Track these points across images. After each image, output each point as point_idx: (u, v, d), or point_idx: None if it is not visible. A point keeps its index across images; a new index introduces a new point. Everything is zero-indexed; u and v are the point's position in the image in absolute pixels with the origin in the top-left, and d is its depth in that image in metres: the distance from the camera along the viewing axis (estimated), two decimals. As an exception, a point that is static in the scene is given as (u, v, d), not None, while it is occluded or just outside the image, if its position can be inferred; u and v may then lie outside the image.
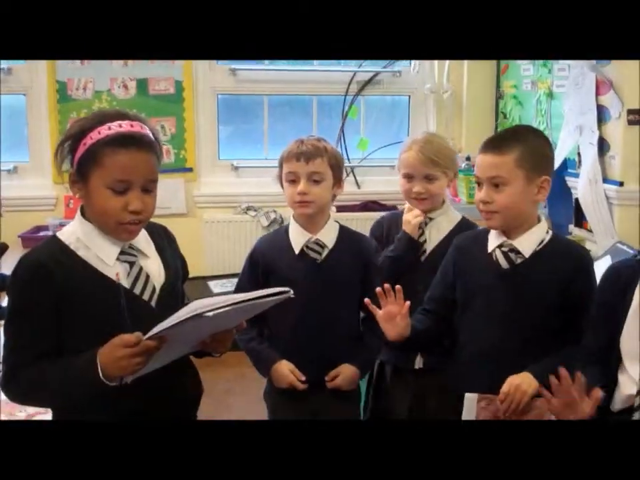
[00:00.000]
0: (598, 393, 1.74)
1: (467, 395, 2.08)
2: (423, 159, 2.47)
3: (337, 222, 2.41)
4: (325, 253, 2.33)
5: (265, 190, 4.88)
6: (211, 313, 1.46)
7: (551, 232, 2.12)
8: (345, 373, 2.33)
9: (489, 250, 2.11)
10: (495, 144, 2.06)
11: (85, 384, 1.61)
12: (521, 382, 1.99)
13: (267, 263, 2.34)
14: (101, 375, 1.57)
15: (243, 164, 5.24)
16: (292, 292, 1.67)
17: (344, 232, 2.39)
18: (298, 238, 2.34)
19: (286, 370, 2.30)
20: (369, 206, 5.20)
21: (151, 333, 1.55)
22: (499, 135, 2.18)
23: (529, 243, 2.07)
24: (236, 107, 5.30)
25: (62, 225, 2.80)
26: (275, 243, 2.39)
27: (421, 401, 2.48)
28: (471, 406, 2.07)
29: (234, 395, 4.21)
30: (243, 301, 1.54)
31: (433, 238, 2.50)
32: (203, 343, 1.74)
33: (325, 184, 2.31)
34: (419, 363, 2.48)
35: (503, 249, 2.08)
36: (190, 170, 5.02)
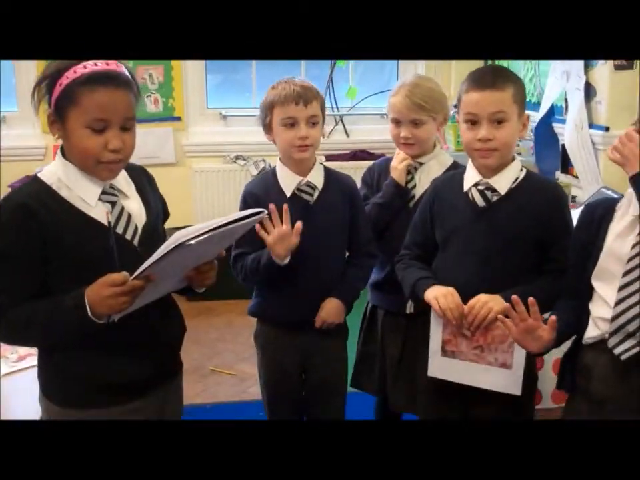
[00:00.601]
0: (554, 318, 1.81)
1: (433, 316, 2.12)
2: (409, 103, 2.44)
3: (321, 163, 2.43)
4: (316, 194, 2.34)
5: (254, 139, 4.85)
6: (193, 241, 1.49)
7: (525, 169, 2.14)
8: (327, 306, 2.36)
9: (465, 189, 2.13)
10: (491, 80, 2.05)
11: (74, 322, 1.64)
12: (489, 299, 2.02)
13: (259, 205, 2.34)
14: (89, 312, 1.61)
15: (232, 113, 5.24)
16: (266, 212, 1.73)
17: (329, 173, 2.42)
18: (288, 181, 2.35)
19: None
20: (358, 155, 5.21)
21: (137, 272, 1.58)
22: (488, 72, 2.13)
23: (504, 180, 2.09)
24: (224, 56, 5.27)
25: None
26: (265, 187, 2.39)
27: (412, 345, 2.48)
28: (437, 319, 2.11)
29: (224, 342, 4.26)
30: (222, 225, 1.57)
31: (423, 182, 2.48)
32: (188, 277, 1.78)
33: (319, 126, 2.34)
34: (410, 307, 2.47)
35: (479, 187, 2.10)
36: (178, 119, 5.02)
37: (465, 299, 2.05)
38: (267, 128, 2.37)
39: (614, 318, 1.80)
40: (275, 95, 2.32)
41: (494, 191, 2.08)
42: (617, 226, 1.85)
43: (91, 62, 1.65)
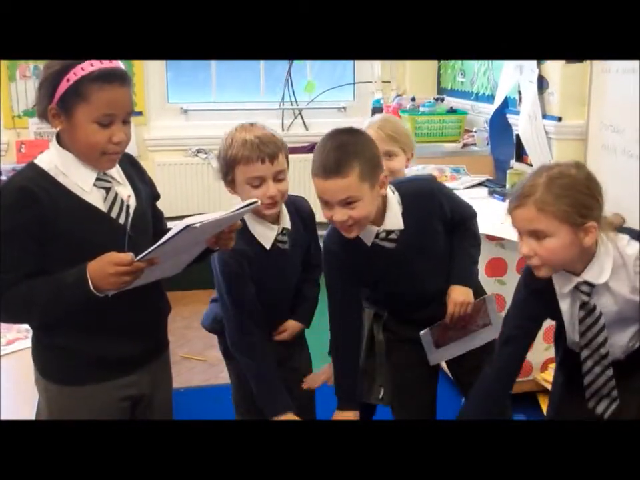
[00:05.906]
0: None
1: (422, 334, 2.29)
2: (382, 135, 2.59)
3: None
4: (289, 242, 2.31)
5: (214, 132, 4.92)
6: (198, 224, 1.64)
7: (396, 193, 2.18)
8: (289, 328, 2.42)
9: (369, 244, 2.17)
10: (335, 167, 1.98)
11: (74, 295, 1.72)
12: (458, 295, 2.22)
13: (241, 263, 2.26)
14: (91, 287, 1.69)
15: (192, 107, 5.32)
16: (259, 202, 1.86)
17: (288, 204, 2.33)
18: (265, 234, 2.27)
19: None
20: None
21: (142, 255, 1.68)
22: (332, 158, 1.99)
23: (392, 221, 2.15)
24: (184, 51, 5.32)
25: (14, 170, 2.86)
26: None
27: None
28: (428, 340, 2.31)
29: (192, 329, 4.36)
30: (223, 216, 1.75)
31: None
32: (213, 240, 1.87)
33: (286, 176, 2.23)
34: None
35: (381, 236, 2.16)
36: (140, 114, 5.05)
37: (428, 304, 2.28)
38: (230, 184, 2.25)
39: (587, 387, 1.94)
40: (236, 153, 2.16)
41: (392, 232, 2.16)
42: (563, 305, 1.96)
43: (95, 60, 1.74)
